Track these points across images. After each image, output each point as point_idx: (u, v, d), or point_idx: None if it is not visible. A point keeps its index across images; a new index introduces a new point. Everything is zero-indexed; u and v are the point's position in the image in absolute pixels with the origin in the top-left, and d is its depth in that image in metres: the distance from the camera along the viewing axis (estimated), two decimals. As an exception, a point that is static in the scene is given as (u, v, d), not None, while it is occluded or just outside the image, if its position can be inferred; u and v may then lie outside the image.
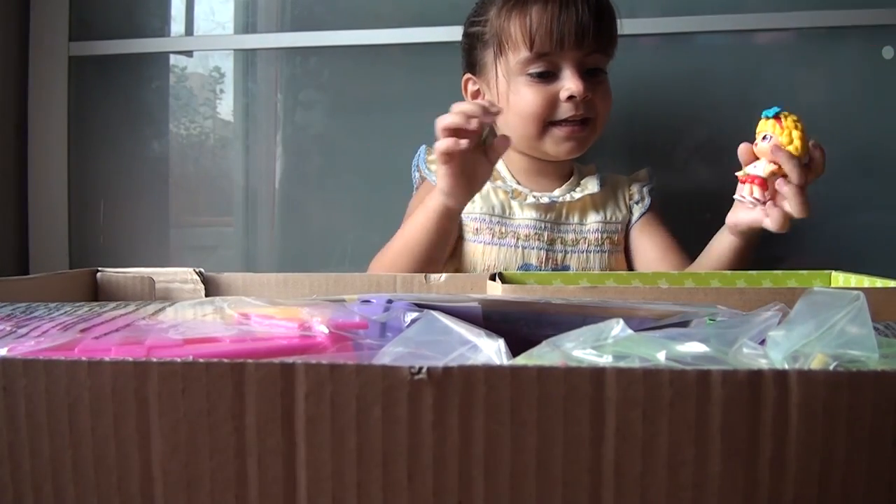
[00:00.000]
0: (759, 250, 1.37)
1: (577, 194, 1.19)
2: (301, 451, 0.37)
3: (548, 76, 1.11)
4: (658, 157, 1.39)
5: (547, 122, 1.12)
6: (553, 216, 1.18)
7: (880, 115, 1.36)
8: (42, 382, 0.38)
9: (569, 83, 1.09)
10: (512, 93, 1.13)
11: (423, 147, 1.26)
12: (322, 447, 0.36)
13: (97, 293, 0.92)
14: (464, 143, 0.94)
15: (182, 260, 1.50)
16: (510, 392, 0.35)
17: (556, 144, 1.13)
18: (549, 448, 0.36)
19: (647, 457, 0.35)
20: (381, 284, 0.88)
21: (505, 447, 0.36)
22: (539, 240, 1.17)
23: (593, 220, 1.19)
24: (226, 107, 1.55)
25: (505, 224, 1.17)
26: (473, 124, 0.95)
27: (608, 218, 1.20)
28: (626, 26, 1.37)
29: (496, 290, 0.77)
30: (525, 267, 1.16)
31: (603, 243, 1.19)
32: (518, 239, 1.17)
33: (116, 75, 1.52)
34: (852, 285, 0.91)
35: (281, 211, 1.51)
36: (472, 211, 1.18)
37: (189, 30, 1.54)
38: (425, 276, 0.88)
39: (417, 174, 1.25)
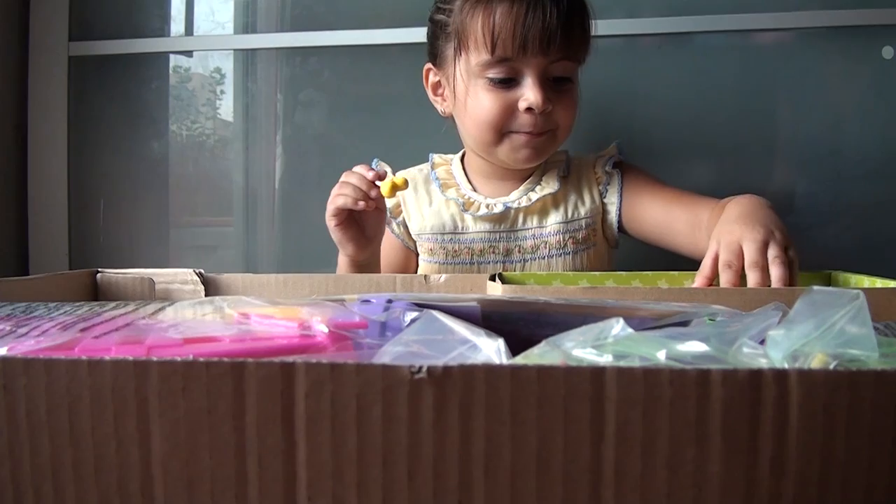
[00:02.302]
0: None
1: (535, 196, 1.11)
2: (301, 450, 0.36)
3: (508, 82, 1.03)
4: (657, 156, 1.38)
5: (504, 131, 1.05)
6: (507, 224, 1.12)
7: (880, 115, 1.36)
8: (42, 381, 0.38)
9: (529, 93, 1.01)
10: (470, 95, 1.06)
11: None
12: (322, 446, 0.36)
13: (97, 294, 0.92)
14: (359, 206, 0.99)
15: (182, 260, 1.50)
16: (510, 391, 0.35)
17: (513, 152, 1.07)
18: (549, 447, 0.36)
19: (646, 456, 0.35)
20: (381, 284, 0.88)
21: (505, 446, 0.36)
22: (494, 252, 1.11)
23: (553, 220, 1.12)
24: (226, 107, 1.55)
25: (457, 241, 1.12)
26: (360, 205, 0.98)
27: (570, 216, 1.11)
28: (626, 26, 1.38)
29: (496, 290, 0.77)
30: None
31: (565, 245, 1.11)
32: (473, 255, 1.12)
33: (116, 75, 1.52)
34: (852, 285, 0.91)
35: (281, 211, 1.51)
36: (424, 230, 1.14)
37: (189, 30, 1.54)
38: (425, 277, 0.88)
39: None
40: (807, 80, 1.38)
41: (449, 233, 1.12)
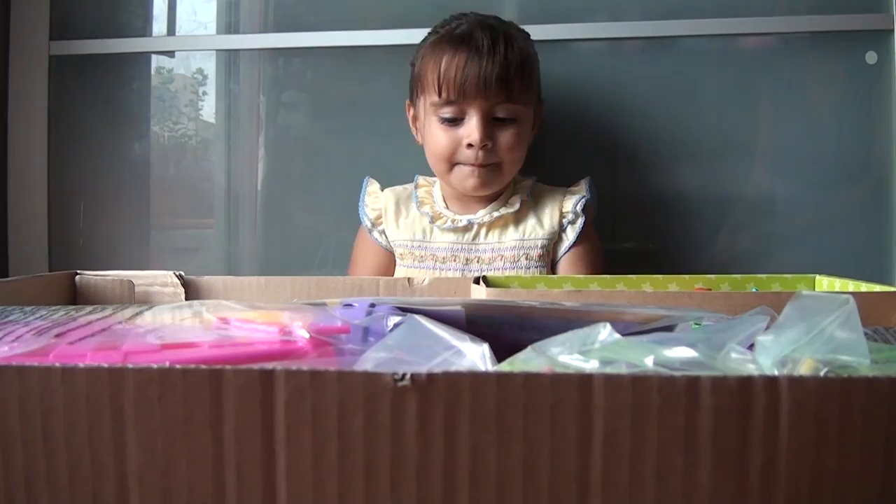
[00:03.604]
0: (741, 254, 1.38)
1: (496, 214, 1.22)
2: (281, 460, 0.36)
3: (456, 121, 1.17)
4: (640, 160, 1.38)
5: (453, 162, 1.18)
6: (470, 237, 1.23)
7: (864, 120, 1.36)
8: (15, 389, 0.37)
9: (470, 131, 1.15)
10: (427, 130, 1.21)
11: (365, 180, 1.31)
12: (302, 456, 0.36)
13: (76, 296, 0.91)
14: None
15: (163, 262, 1.49)
16: (496, 399, 0.35)
17: (462, 181, 1.19)
18: (536, 456, 0.35)
19: (635, 465, 0.35)
20: (364, 288, 0.87)
21: (490, 455, 0.35)
22: (455, 261, 1.23)
23: (511, 237, 1.22)
24: (208, 108, 1.54)
25: (425, 248, 1.24)
26: None
27: (526, 234, 1.22)
28: (609, 30, 1.37)
29: (480, 294, 0.76)
30: None
31: (518, 260, 1.21)
32: (436, 261, 1.23)
33: (97, 75, 1.50)
34: (836, 289, 0.90)
35: (263, 213, 1.50)
36: (398, 238, 1.25)
37: (171, 30, 1.53)
38: (408, 280, 0.87)
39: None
40: (791, 85, 1.38)
41: (418, 241, 1.25)
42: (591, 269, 1.23)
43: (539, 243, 1.22)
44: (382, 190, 1.30)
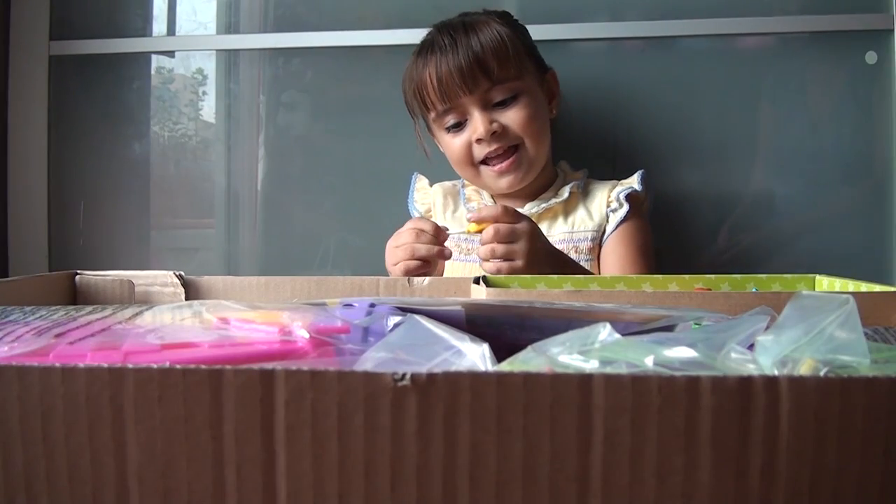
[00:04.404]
0: (741, 254, 1.38)
1: (544, 205, 1.21)
2: (281, 460, 0.36)
3: (461, 124, 1.16)
4: (640, 159, 1.38)
5: (476, 163, 1.18)
6: None
7: (864, 120, 1.36)
8: (15, 389, 0.37)
9: (475, 127, 1.14)
10: (441, 144, 1.23)
11: (414, 176, 1.34)
12: (302, 456, 0.35)
13: (76, 296, 0.91)
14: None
15: (163, 262, 1.49)
16: (496, 399, 0.35)
17: (493, 181, 1.19)
18: (536, 456, 0.35)
19: (635, 465, 0.35)
20: (364, 288, 0.87)
21: (490, 455, 0.35)
22: None
23: (560, 230, 1.20)
24: (208, 108, 1.54)
25: (472, 241, 1.20)
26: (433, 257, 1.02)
27: (575, 227, 1.20)
28: (609, 30, 1.37)
29: (480, 294, 0.76)
30: None
31: (568, 253, 1.17)
32: None
33: (97, 75, 1.50)
34: (836, 289, 0.90)
35: (263, 213, 1.50)
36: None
37: (171, 30, 1.53)
38: (408, 280, 0.87)
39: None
40: (791, 85, 1.38)
41: (464, 233, 1.19)
42: (635, 250, 1.19)
43: (588, 235, 1.20)
44: (431, 185, 1.32)
